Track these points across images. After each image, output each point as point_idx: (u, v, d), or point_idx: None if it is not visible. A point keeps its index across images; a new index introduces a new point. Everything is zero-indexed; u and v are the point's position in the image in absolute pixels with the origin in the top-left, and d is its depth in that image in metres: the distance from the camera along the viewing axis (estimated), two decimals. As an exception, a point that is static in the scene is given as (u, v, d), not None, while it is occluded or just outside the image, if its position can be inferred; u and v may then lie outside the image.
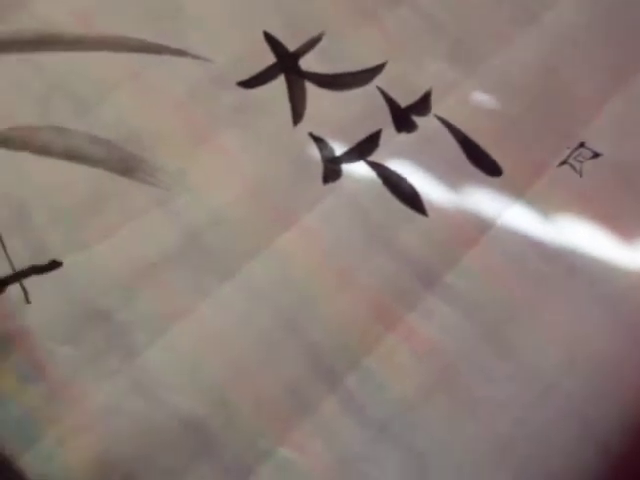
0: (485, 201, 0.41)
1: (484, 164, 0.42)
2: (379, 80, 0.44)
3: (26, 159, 0.40)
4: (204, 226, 0.39)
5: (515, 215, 0.41)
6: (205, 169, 0.40)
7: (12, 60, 0.43)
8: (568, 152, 0.43)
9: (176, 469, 0.33)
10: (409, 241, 0.39)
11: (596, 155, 0.43)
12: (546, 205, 0.41)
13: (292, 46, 0.45)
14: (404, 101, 0.44)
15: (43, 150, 0.40)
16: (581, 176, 0.42)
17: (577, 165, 0.42)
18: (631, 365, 0.37)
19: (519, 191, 0.42)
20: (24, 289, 0.36)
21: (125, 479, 0.33)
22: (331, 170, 0.41)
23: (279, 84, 0.43)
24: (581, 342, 0.37)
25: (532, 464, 0.34)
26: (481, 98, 0.44)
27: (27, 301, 0.36)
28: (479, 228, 0.40)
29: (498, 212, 0.41)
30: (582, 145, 0.43)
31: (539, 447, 0.35)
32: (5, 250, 0.37)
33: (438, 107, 0.44)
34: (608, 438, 0.35)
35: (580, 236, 0.41)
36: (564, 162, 0.42)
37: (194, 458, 0.33)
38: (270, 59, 0.44)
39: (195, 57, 0.44)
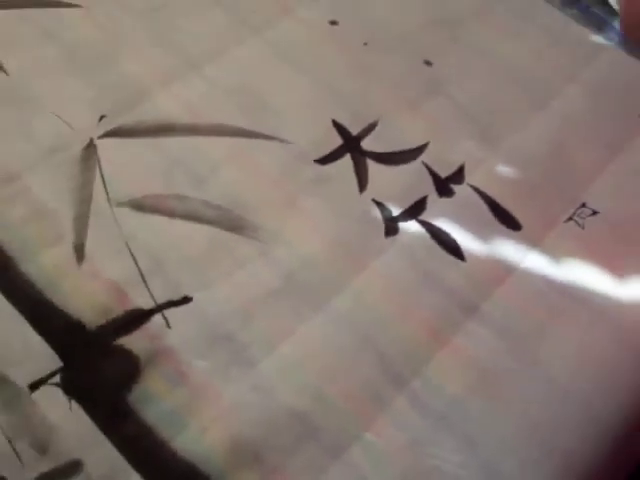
0: (510, 249, 0.53)
1: (507, 221, 0.54)
2: (424, 156, 0.57)
3: (157, 220, 0.52)
4: (298, 270, 0.51)
5: (533, 260, 0.53)
6: (295, 227, 0.52)
7: (140, 143, 0.55)
8: (572, 210, 0.55)
9: (289, 448, 0.44)
10: (452, 281, 0.51)
11: (595, 212, 0.55)
12: (557, 252, 0.53)
13: (355, 131, 0.57)
14: (443, 173, 0.56)
15: (169, 213, 0.52)
16: (583, 229, 0.54)
17: (580, 221, 0.55)
18: (629, 368, 0.49)
19: (535, 242, 0.54)
20: (165, 318, 0.48)
21: (255, 457, 0.44)
22: (391, 227, 0.53)
23: (346, 161, 0.56)
24: (590, 354, 0.49)
25: (552, 440, 0.46)
26: (504, 169, 0.57)
27: (168, 326, 0.48)
28: (506, 270, 0.52)
29: (520, 258, 0.53)
30: (583, 205, 0.55)
31: (557, 428, 0.46)
32: (148, 289, 0.49)
33: (470, 177, 0.56)
34: (609, 420, 0.46)
35: (585, 276, 0.53)
36: (570, 219, 0.55)
37: (302, 440, 0.45)
38: (338, 141, 0.57)
39: (281, 140, 0.56)
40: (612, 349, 0.49)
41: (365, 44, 0.62)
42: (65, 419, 0.44)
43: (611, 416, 0.46)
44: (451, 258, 0.52)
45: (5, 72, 0.57)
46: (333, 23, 0.63)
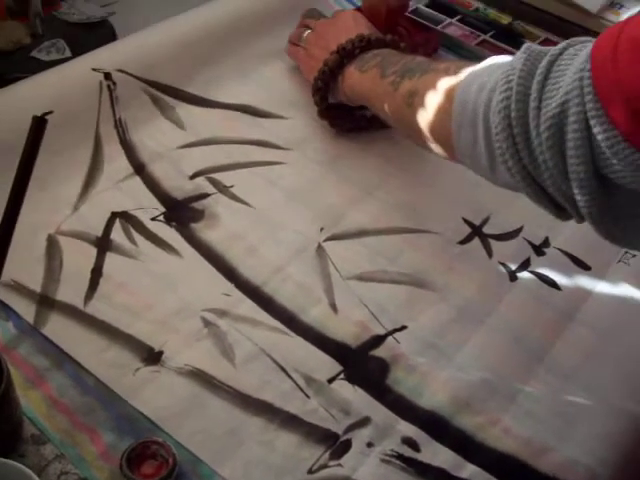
0: (586, 281, 0.88)
1: (581, 265, 0.88)
2: (522, 234, 0.92)
3: (374, 285, 0.86)
4: (464, 305, 0.84)
5: (601, 286, 0.88)
6: (456, 281, 0.86)
7: (350, 242, 0.90)
8: (620, 256, 0.91)
9: (484, 398, 0.77)
10: (555, 302, 0.85)
11: (634, 255, 0.91)
12: (615, 280, 0.88)
13: (477, 222, 0.93)
14: (536, 242, 0.92)
15: (380, 280, 0.86)
16: (629, 266, 0.89)
17: (626, 261, 0.90)
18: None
19: (601, 276, 0.88)
20: (395, 338, 0.82)
21: (466, 405, 0.76)
22: (512, 276, 0.87)
23: (476, 241, 0.91)
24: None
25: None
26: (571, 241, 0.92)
27: (397, 342, 0.82)
28: (586, 293, 0.86)
29: (593, 285, 0.87)
30: (626, 252, 0.91)
31: None
32: (380, 323, 0.83)
33: (554, 243, 0.92)
34: None
35: (635, 294, 0.87)
36: (619, 261, 0.90)
37: (490, 393, 0.77)
38: (468, 230, 0.93)
39: (433, 232, 0.92)
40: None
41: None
42: (353, 395, 0.76)
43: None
44: (552, 289, 0.87)
45: (252, 207, 0.93)
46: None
